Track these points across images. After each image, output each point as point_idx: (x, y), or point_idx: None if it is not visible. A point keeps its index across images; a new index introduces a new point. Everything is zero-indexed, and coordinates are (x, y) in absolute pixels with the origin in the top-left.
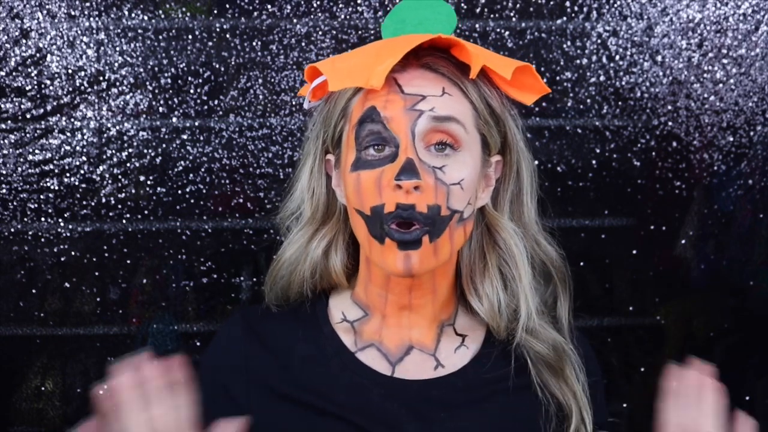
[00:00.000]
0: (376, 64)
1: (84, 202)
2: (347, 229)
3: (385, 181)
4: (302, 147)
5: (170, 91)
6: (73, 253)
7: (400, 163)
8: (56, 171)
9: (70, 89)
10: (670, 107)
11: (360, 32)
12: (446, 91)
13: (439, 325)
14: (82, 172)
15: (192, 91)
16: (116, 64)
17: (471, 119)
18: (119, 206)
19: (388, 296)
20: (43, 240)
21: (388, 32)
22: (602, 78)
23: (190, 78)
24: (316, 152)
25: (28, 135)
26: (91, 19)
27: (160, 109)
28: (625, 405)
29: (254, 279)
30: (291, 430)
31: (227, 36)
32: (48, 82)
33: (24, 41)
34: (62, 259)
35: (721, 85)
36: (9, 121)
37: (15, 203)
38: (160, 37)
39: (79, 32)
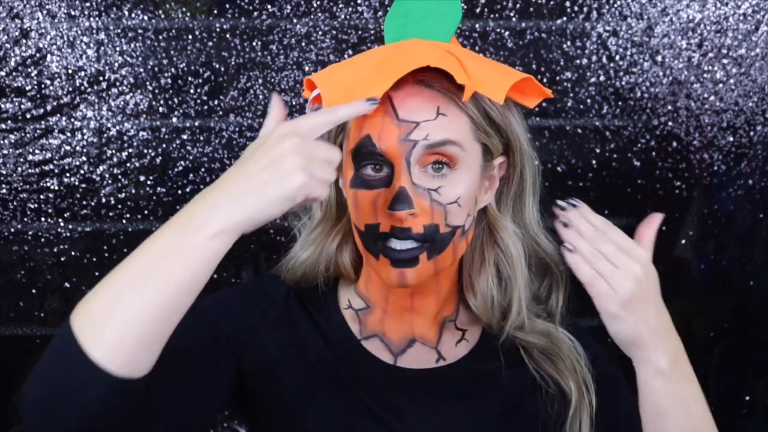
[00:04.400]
0: (370, 86)
1: (84, 202)
2: None
3: (381, 204)
4: None
5: (170, 91)
6: (73, 253)
7: (393, 191)
8: (56, 171)
9: (70, 89)
10: (670, 107)
11: (360, 32)
12: (441, 111)
13: (440, 321)
14: (82, 172)
15: (192, 91)
16: (116, 64)
17: (469, 133)
18: (119, 206)
19: (389, 297)
20: (43, 240)
21: (390, 28)
22: (602, 78)
23: (190, 78)
24: None
25: (28, 135)
26: (91, 19)
27: (160, 109)
28: None
29: None
30: (300, 397)
31: (227, 36)
32: (48, 82)
33: (24, 41)
34: (62, 259)
35: (721, 85)
36: (9, 121)
37: (15, 203)
38: (160, 37)
39: (79, 32)
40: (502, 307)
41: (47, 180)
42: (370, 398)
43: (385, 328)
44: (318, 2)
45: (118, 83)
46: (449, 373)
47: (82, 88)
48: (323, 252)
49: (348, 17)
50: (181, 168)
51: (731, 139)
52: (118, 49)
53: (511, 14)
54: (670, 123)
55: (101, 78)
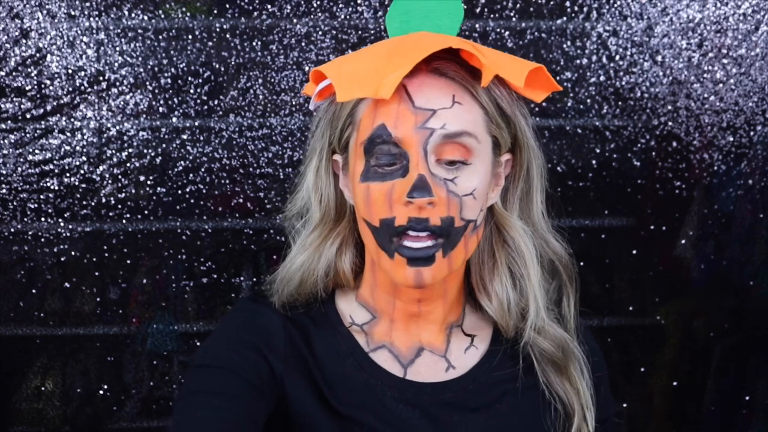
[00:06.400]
0: (386, 72)
1: (84, 202)
2: (356, 228)
3: (396, 196)
4: (307, 142)
5: (170, 91)
6: (73, 253)
7: (412, 180)
8: (56, 171)
9: (70, 89)
10: (670, 107)
11: (360, 32)
12: (456, 100)
13: (447, 327)
14: (82, 172)
15: (192, 91)
16: (116, 64)
17: (482, 125)
18: (119, 206)
19: (396, 303)
20: (43, 240)
21: (392, 25)
22: (602, 78)
23: (190, 78)
24: (321, 152)
25: (28, 135)
26: (91, 19)
27: (160, 109)
28: (625, 405)
29: (254, 279)
30: (307, 424)
31: (227, 36)
32: (48, 82)
33: (24, 41)
34: (62, 259)
35: (721, 85)
36: (9, 121)
37: (15, 203)
38: (160, 37)
39: (79, 32)
40: (519, 308)
41: (47, 180)
42: (379, 414)
43: (393, 337)
44: (318, 2)
45: (118, 83)
46: (461, 385)
47: (82, 88)
48: (322, 256)
49: (348, 17)
50: (181, 168)
51: (731, 139)
52: (118, 49)
53: (511, 14)
54: (670, 123)
55: (101, 78)
